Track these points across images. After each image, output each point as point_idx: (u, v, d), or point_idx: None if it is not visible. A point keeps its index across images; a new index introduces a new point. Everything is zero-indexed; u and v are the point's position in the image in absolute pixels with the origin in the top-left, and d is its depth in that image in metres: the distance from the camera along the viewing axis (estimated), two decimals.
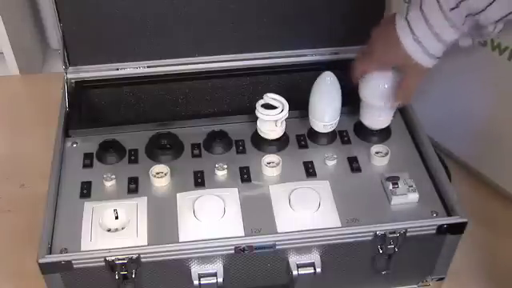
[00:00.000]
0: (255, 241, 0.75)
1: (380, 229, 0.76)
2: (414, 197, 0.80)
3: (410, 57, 0.75)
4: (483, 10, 0.68)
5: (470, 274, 0.90)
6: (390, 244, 0.77)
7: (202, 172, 0.84)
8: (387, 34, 0.76)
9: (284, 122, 0.87)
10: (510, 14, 0.68)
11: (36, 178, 0.85)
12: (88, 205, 0.79)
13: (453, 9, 0.69)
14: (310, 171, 0.85)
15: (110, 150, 0.86)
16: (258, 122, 0.87)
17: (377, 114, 0.87)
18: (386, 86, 0.84)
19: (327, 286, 0.83)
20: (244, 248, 0.74)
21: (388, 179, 0.81)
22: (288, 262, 0.77)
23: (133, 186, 0.82)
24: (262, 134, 0.87)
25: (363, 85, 0.85)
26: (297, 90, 0.98)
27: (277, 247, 0.75)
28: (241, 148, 0.88)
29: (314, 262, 0.77)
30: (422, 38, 0.73)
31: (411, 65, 0.76)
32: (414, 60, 0.75)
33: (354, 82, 0.85)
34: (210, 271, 0.76)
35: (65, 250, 0.74)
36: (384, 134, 0.90)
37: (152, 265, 0.74)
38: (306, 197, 0.80)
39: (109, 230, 0.77)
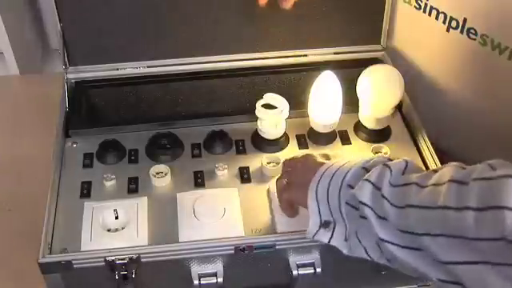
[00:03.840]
0: (255, 241, 0.75)
1: None
2: None
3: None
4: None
5: None
6: None
7: (201, 172, 0.84)
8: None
9: (284, 122, 0.87)
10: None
11: (36, 178, 0.85)
12: (88, 205, 0.79)
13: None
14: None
15: (109, 150, 0.86)
16: (258, 121, 0.87)
17: (374, 114, 0.87)
18: (384, 85, 0.84)
19: (327, 286, 0.83)
20: (244, 248, 0.74)
21: None
22: (288, 261, 0.77)
23: (133, 186, 0.82)
24: (262, 134, 0.87)
25: (362, 84, 0.85)
26: (297, 89, 0.98)
27: (277, 247, 0.75)
28: (241, 148, 0.88)
29: (314, 262, 0.77)
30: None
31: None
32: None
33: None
34: (210, 271, 0.76)
35: (65, 250, 0.74)
36: (384, 134, 0.90)
37: (152, 265, 0.74)
38: None
39: (109, 230, 0.77)
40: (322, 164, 0.70)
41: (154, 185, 0.83)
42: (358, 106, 0.89)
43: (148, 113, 0.99)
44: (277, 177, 0.79)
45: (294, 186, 0.73)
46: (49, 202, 0.78)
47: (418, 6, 0.95)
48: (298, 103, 0.90)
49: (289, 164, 0.77)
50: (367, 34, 1.02)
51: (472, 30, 0.88)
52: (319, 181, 0.67)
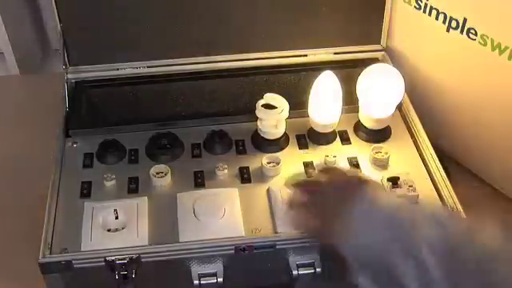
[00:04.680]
0: (255, 241, 0.75)
1: None
2: (413, 197, 0.80)
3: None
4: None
5: None
6: None
7: (201, 172, 0.84)
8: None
9: (284, 122, 0.87)
10: None
11: (36, 178, 0.85)
12: (88, 205, 0.79)
13: None
14: (310, 171, 0.84)
15: (109, 150, 0.86)
16: (257, 121, 0.87)
17: (374, 114, 0.87)
18: (384, 85, 0.84)
19: (327, 286, 0.83)
20: (244, 248, 0.74)
21: (388, 179, 0.81)
22: (288, 261, 0.77)
23: (133, 186, 0.82)
24: (262, 134, 0.87)
25: (361, 84, 0.85)
26: (297, 89, 0.98)
27: (277, 247, 0.75)
28: (241, 148, 0.88)
29: (314, 262, 0.77)
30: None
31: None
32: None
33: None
34: (210, 271, 0.76)
35: (65, 250, 0.74)
36: (384, 134, 0.90)
37: (152, 265, 0.74)
38: None
39: (109, 230, 0.77)
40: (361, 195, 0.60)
41: (154, 185, 0.83)
42: (358, 106, 0.89)
43: (148, 113, 0.99)
44: (291, 191, 0.73)
45: (324, 217, 0.64)
46: (49, 202, 0.78)
47: (417, 6, 0.95)
48: (298, 103, 0.90)
49: (316, 185, 0.68)
50: (367, 34, 1.02)
51: (472, 30, 0.88)
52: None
